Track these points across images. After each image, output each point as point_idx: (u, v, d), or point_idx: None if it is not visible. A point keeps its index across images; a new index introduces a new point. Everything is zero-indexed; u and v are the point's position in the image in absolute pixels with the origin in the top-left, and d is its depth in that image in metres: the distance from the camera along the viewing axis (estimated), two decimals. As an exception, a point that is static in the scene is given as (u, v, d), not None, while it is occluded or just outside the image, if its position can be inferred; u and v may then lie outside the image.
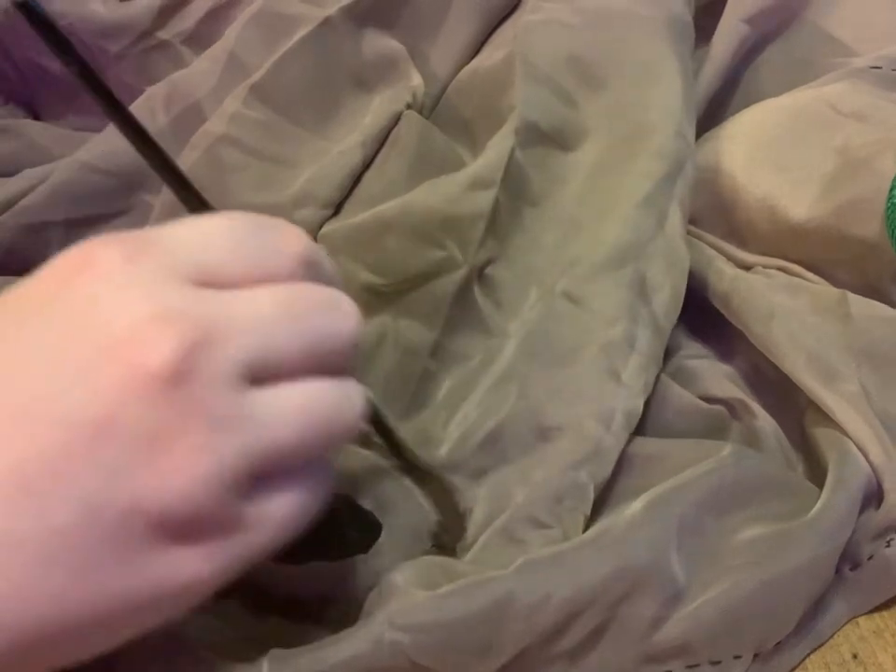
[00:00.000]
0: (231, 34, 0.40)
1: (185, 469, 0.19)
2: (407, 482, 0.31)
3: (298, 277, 0.22)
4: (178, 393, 0.19)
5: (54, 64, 0.43)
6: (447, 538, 0.31)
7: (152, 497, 0.19)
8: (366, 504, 0.31)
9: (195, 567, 0.20)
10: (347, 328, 0.23)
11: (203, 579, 0.21)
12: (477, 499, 0.31)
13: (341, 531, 0.28)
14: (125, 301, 0.20)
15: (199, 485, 0.20)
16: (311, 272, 0.23)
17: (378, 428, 0.30)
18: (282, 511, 0.22)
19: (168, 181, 0.24)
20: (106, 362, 0.19)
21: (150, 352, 0.19)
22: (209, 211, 0.24)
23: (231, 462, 0.20)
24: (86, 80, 0.22)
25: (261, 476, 0.21)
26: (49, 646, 0.20)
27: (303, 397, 0.22)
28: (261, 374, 0.21)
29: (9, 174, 0.41)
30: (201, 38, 0.42)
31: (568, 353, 0.32)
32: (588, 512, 0.30)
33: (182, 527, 0.20)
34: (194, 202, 0.25)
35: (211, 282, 0.21)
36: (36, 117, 0.46)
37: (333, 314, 0.23)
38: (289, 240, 0.23)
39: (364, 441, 0.33)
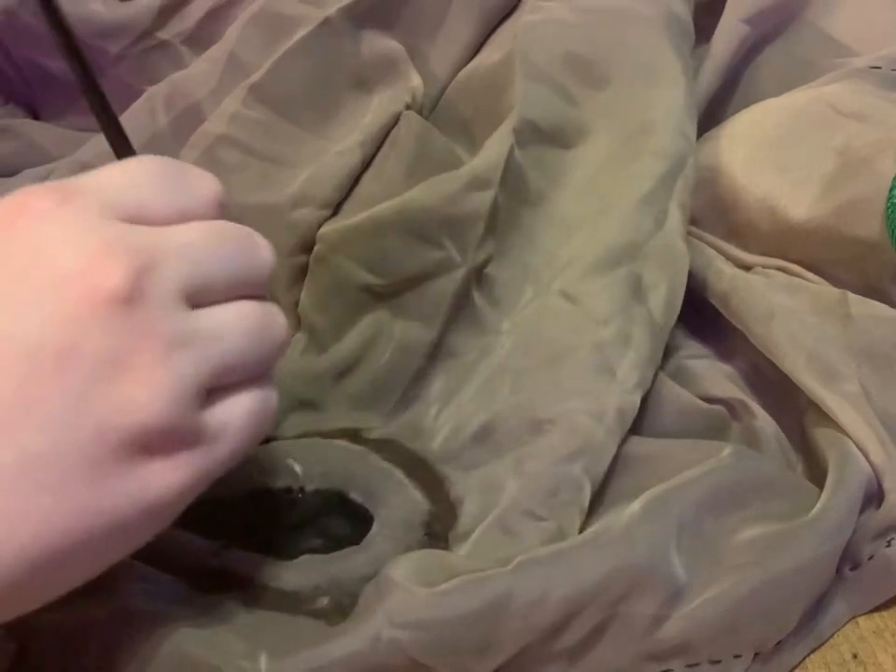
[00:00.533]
0: (232, 34, 0.40)
1: (148, 384, 0.21)
2: (398, 473, 0.32)
3: (214, 216, 0.25)
4: (133, 314, 0.21)
5: (54, 64, 0.43)
6: (439, 527, 0.31)
7: (120, 414, 0.21)
8: (357, 496, 0.31)
9: (167, 478, 0.22)
10: (264, 258, 0.25)
11: (176, 490, 0.22)
12: (469, 490, 0.31)
13: (332, 523, 0.28)
14: (68, 237, 0.21)
15: (163, 399, 0.21)
16: (223, 210, 0.25)
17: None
18: (239, 420, 0.24)
19: (101, 122, 0.26)
20: (61, 292, 0.21)
21: (102, 278, 0.21)
22: (132, 152, 0.26)
23: (188, 374, 0.22)
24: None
25: (215, 389, 0.23)
26: (40, 573, 0.21)
27: (237, 313, 0.24)
28: (197, 298, 0.23)
29: (9, 174, 0.41)
30: (201, 38, 0.42)
31: (563, 350, 0.32)
32: (584, 507, 0.30)
33: (152, 441, 0.21)
34: (124, 148, 0.27)
35: (138, 220, 0.23)
36: (36, 117, 0.46)
37: (252, 246, 0.25)
38: (203, 182, 0.25)
39: (354, 437, 0.33)
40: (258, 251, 0.25)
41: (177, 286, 0.22)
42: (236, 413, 0.24)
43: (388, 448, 0.33)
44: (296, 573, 0.29)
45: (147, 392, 0.21)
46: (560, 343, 0.32)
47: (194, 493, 0.23)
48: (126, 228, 0.22)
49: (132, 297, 0.21)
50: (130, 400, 0.21)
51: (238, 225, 0.25)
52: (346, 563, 0.29)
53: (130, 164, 0.24)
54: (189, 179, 0.25)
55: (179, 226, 0.23)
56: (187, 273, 0.23)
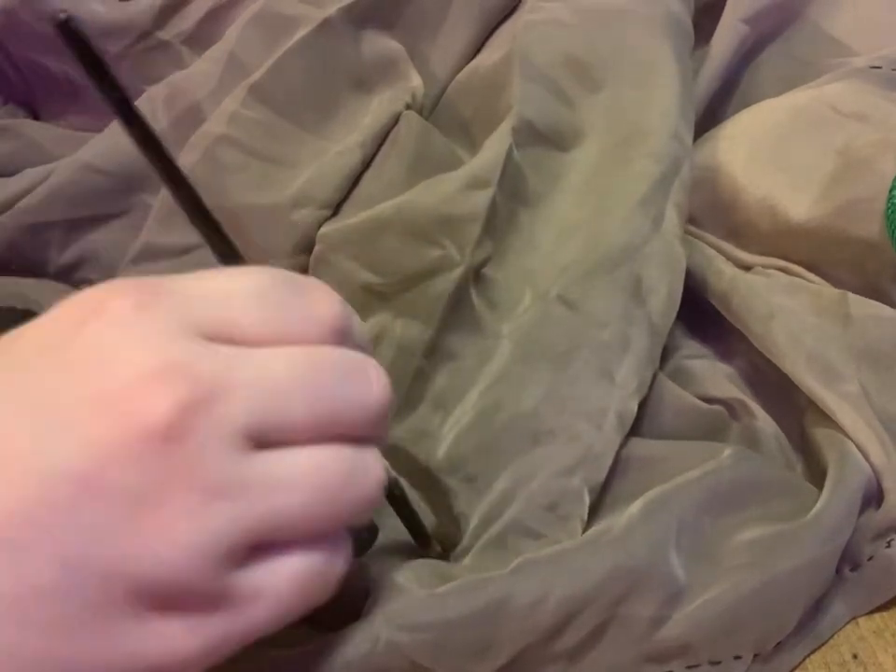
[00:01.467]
0: (232, 34, 0.40)
1: (172, 534, 0.18)
2: (403, 483, 0.31)
3: (324, 342, 0.21)
4: (172, 452, 0.18)
5: (54, 64, 0.43)
6: (443, 542, 0.31)
7: (135, 561, 0.18)
8: None
9: (180, 641, 0.19)
10: (371, 396, 0.22)
11: (188, 655, 0.19)
12: (471, 504, 0.31)
13: None
14: (128, 351, 0.19)
15: (186, 553, 0.19)
16: (339, 337, 0.22)
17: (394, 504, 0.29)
18: (283, 584, 0.20)
19: (197, 225, 0.23)
20: (99, 414, 0.18)
21: (146, 407, 0.18)
22: (237, 258, 0.23)
23: (223, 530, 0.19)
24: (120, 110, 0.20)
25: (261, 546, 0.20)
26: None
27: (311, 463, 0.20)
28: (268, 438, 0.20)
29: (9, 174, 0.41)
30: (201, 38, 0.42)
31: (562, 356, 0.32)
32: (584, 516, 0.30)
33: (166, 597, 0.19)
34: (223, 247, 0.23)
35: (226, 338, 0.20)
36: (36, 117, 0.46)
37: (356, 380, 0.22)
38: (320, 302, 0.22)
39: None
40: (364, 388, 0.22)
41: (238, 425, 0.19)
42: (280, 576, 0.20)
43: (395, 456, 0.32)
44: None
45: (169, 542, 0.18)
46: (560, 349, 0.32)
47: (213, 659, 0.20)
48: (200, 349, 0.19)
49: (174, 433, 0.18)
50: (147, 549, 0.18)
51: (351, 353, 0.22)
52: (349, 575, 0.29)
53: (237, 273, 0.21)
54: (300, 297, 0.21)
55: (270, 351, 0.20)
56: (257, 410, 0.19)
